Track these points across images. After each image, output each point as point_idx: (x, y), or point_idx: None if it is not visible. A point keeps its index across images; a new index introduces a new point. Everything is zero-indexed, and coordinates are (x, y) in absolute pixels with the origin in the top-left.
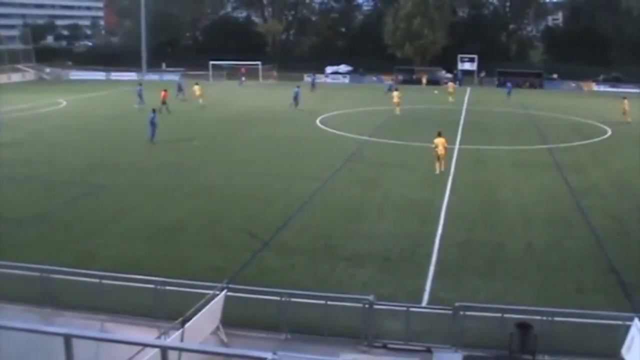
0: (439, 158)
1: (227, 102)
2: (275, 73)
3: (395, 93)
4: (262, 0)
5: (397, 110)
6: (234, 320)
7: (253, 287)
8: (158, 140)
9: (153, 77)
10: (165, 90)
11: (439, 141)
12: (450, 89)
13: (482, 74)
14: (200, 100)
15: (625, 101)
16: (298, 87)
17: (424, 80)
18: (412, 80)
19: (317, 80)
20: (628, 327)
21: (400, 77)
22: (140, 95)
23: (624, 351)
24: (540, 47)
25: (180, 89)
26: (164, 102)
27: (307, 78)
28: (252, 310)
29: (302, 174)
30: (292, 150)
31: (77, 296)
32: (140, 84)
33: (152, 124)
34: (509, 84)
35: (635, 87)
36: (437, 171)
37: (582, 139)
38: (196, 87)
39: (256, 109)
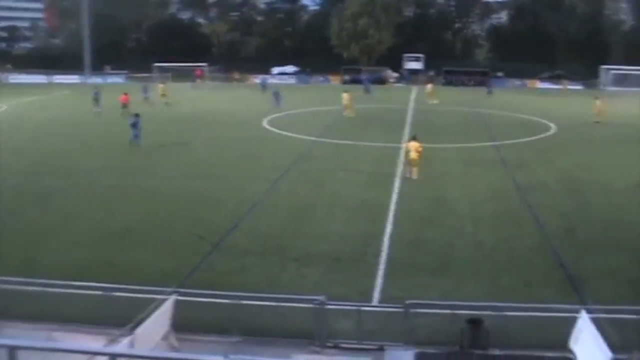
0: (410, 163)
1: (175, 105)
2: (237, 75)
3: (344, 95)
4: (207, 0)
5: (351, 113)
6: (185, 324)
7: (203, 291)
8: (142, 144)
9: (97, 79)
10: (125, 94)
11: (411, 145)
12: (429, 90)
13: (432, 73)
14: (164, 99)
15: (598, 101)
16: (277, 89)
17: (391, 80)
18: (358, 80)
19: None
20: (576, 319)
21: (367, 76)
22: (96, 100)
23: (571, 343)
24: (486, 46)
25: (145, 91)
26: (124, 106)
27: (256, 80)
28: (203, 313)
29: (251, 175)
30: (240, 152)
31: (22, 305)
32: (96, 87)
33: (134, 126)
34: (489, 83)
35: (579, 84)
36: (408, 175)
37: (528, 136)
38: (160, 87)
39: (203, 111)
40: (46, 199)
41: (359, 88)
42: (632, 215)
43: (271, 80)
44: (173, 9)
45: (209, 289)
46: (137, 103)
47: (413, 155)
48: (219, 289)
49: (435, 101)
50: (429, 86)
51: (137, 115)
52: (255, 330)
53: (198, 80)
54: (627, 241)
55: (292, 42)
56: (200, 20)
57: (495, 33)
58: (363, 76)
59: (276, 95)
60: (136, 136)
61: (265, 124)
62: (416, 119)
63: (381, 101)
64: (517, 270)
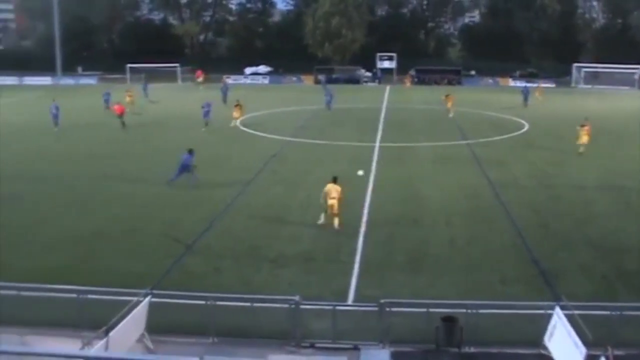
0: (330, 209)
1: (148, 107)
2: (201, 78)
3: (236, 108)
4: (179, 1)
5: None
6: (160, 326)
7: (178, 292)
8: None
9: (69, 81)
10: (119, 104)
11: (331, 188)
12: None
13: (412, 72)
14: (130, 108)
15: (585, 127)
16: (209, 104)
17: (408, 83)
18: (331, 80)
19: (232, 82)
20: (550, 316)
21: (324, 77)
22: (56, 116)
23: (546, 339)
24: (458, 45)
25: (107, 101)
26: (120, 117)
27: (228, 80)
28: (178, 315)
29: (224, 177)
30: (213, 153)
31: None
32: (54, 100)
33: (185, 167)
34: (526, 86)
35: (550, 82)
36: (322, 221)
37: (501, 134)
38: (127, 93)
39: (176, 112)
40: (16, 204)
41: (333, 88)
42: (604, 211)
43: (243, 80)
44: (145, 9)
45: (183, 291)
46: (98, 113)
47: (332, 201)
48: (194, 291)
49: (451, 115)
50: (449, 99)
51: (190, 151)
52: (231, 331)
53: (199, 81)
54: (599, 237)
55: (264, 42)
56: (173, 21)
57: (468, 32)
58: (321, 77)
59: (207, 108)
60: (190, 174)
61: (238, 124)
62: (389, 118)
63: (354, 101)
64: (491, 267)
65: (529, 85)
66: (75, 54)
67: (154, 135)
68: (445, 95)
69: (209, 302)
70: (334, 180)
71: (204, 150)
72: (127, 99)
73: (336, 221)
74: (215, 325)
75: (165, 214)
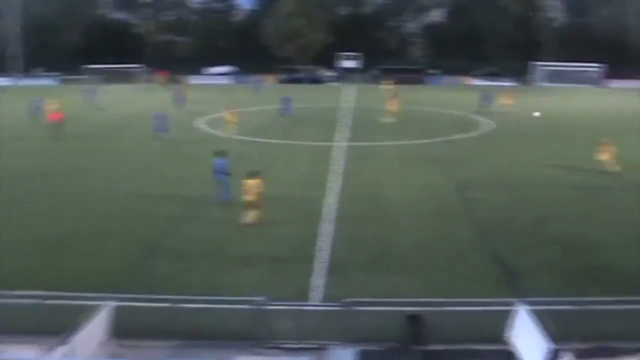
0: (250, 205)
1: (89, 115)
2: (162, 79)
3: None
4: (140, 1)
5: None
6: (125, 330)
7: (142, 295)
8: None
9: (28, 82)
10: (57, 110)
11: (251, 184)
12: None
13: (375, 72)
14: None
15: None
16: (164, 115)
17: (392, 86)
18: (295, 80)
19: (194, 83)
20: (514, 312)
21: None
22: None
23: (511, 335)
24: (421, 43)
25: (36, 109)
26: (58, 125)
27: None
28: (143, 318)
29: (183, 179)
30: (170, 155)
31: None
32: None
33: (223, 174)
34: (485, 94)
35: (511, 80)
36: (244, 220)
37: (463, 132)
38: (50, 102)
39: (134, 113)
40: None
41: (297, 88)
42: (567, 209)
43: (206, 80)
44: (104, 9)
45: (148, 294)
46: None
47: (251, 196)
48: (159, 294)
49: (389, 119)
50: (393, 101)
51: (222, 153)
52: (196, 333)
53: (160, 82)
54: (563, 236)
55: (227, 42)
56: (134, 21)
57: (431, 31)
58: (255, 79)
59: (160, 120)
60: (226, 186)
61: (200, 124)
62: (353, 117)
63: (318, 101)
64: (456, 266)
65: (491, 84)
66: (35, 54)
67: (123, 132)
68: (390, 96)
69: (173, 305)
70: (252, 176)
71: (163, 151)
72: (53, 107)
73: (254, 214)
74: (180, 327)
75: (126, 217)
